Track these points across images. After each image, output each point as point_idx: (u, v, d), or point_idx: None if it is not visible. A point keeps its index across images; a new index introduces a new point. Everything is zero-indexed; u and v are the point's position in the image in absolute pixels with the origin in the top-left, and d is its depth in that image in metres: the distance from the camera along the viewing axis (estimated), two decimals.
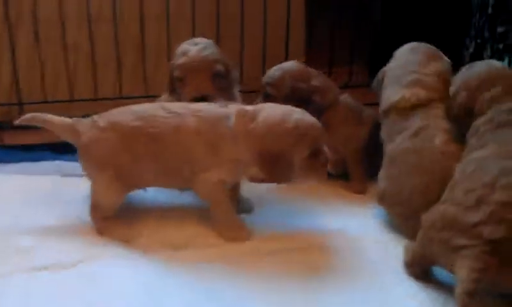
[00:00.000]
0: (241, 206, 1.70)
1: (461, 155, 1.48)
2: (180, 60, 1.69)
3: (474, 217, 1.28)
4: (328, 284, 1.41)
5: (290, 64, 1.87)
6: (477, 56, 1.99)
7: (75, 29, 2.15)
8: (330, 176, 1.84)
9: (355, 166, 1.87)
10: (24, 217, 1.62)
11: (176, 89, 1.72)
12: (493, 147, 1.40)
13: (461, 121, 1.54)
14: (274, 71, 1.85)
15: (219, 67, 1.69)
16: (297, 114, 1.50)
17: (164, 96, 1.79)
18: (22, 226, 1.58)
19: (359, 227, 1.65)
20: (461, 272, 1.26)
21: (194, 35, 2.11)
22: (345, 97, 1.91)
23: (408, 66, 1.72)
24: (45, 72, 2.14)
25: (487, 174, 1.33)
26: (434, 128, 1.59)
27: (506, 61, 1.95)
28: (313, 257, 1.50)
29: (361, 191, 1.85)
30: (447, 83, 1.65)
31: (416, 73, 1.69)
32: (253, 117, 1.50)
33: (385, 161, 1.67)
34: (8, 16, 2.04)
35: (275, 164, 1.47)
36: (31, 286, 1.36)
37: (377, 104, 2.20)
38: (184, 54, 1.70)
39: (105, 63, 2.18)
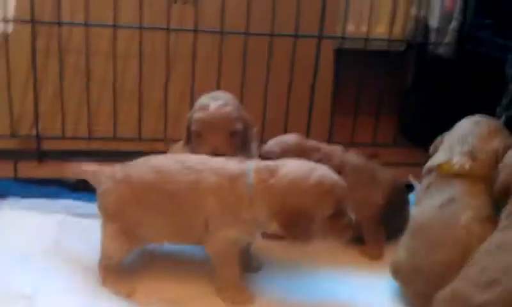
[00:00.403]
0: (250, 263, 1.64)
1: (486, 237, 1.39)
2: (198, 115, 1.65)
3: (482, 296, 1.22)
4: None
5: (288, 139, 1.79)
6: (509, 126, 1.92)
7: (103, 64, 2.14)
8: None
9: (370, 231, 1.79)
10: (29, 259, 1.57)
11: (192, 141, 1.68)
12: None
13: (500, 201, 1.48)
14: (273, 147, 1.77)
15: (238, 126, 1.64)
16: (321, 171, 1.43)
17: (179, 145, 1.76)
18: (24, 269, 1.53)
19: (369, 298, 1.57)
20: None
21: (219, 83, 2.11)
22: (352, 158, 1.81)
23: (468, 138, 1.65)
24: (69, 106, 2.13)
25: (505, 256, 1.26)
26: (465, 204, 1.52)
27: None
28: None
29: (376, 257, 1.77)
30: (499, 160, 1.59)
31: (473, 146, 1.62)
32: (273, 172, 1.44)
33: (408, 228, 1.59)
34: (34, 48, 2.04)
35: (296, 222, 1.39)
36: None
37: (403, 164, 2.18)
38: (203, 109, 1.65)
39: (129, 101, 2.16)
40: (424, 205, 1.60)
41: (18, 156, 2.06)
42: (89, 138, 2.14)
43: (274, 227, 1.44)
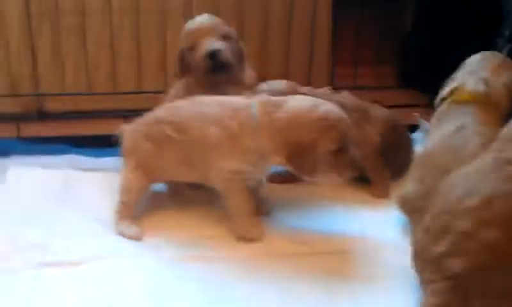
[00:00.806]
0: (260, 207, 1.64)
1: None
2: (187, 28, 1.71)
3: (438, 247, 1.19)
4: (340, 288, 1.35)
5: (279, 84, 1.75)
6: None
7: (99, 22, 2.11)
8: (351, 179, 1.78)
9: (373, 169, 1.78)
10: (37, 211, 1.59)
11: (186, 67, 1.70)
12: (491, 155, 1.26)
13: None
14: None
15: (227, 28, 1.71)
16: (326, 106, 1.44)
17: (175, 85, 1.79)
18: (34, 220, 1.55)
19: (377, 233, 1.57)
20: None
21: None
22: (345, 98, 1.78)
23: (479, 72, 1.63)
24: (66, 64, 2.11)
25: (453, 196, 1.22)
26: (475, 131, 1.50)
27: None
28: (328, 262, 1.44)
29: (383, 195, 1.75)
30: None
31: (485, 77, 1.61)
32: (278, 106, 1.45)
33: (416, 160, 1.58)
34: (29, 7, 2.02)
35: (301, 155, 1.41)
36: (38, 283, 1.33)
37: (406, 106, 2.16)
38: (190, 23, 1.71)
39: (127, 57, 2.14)
40: (434, 135, 1.58)
41: (20, 117, 2.05)
42: (90, 94, 2.12)
43: (277, 160, 1.46)
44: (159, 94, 1.91)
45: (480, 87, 1.58)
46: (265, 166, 1.52)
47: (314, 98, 1.48)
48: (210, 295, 1.31)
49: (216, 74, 1.64)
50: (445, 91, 1.65)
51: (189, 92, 1.68)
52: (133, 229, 1.53)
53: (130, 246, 1.48)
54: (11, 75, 2.06)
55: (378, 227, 1.60)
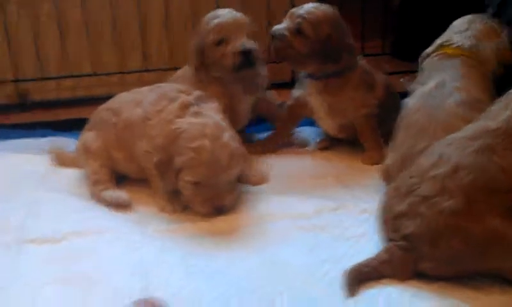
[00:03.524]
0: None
1: (473, 121, 1.30)
2: (216, 21, 1.66)
3: (400, 207, 1.20)
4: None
5: (330, 9, 1.67)
6: (504, 4, 1.84)
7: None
8: (340, 141, 1.79)
9: (367, 135, 1.73)
10: (18, 193, 1.56)
11: (209, 57, 1.68)
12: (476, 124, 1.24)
13: None
14: (313, 8, 1.64)
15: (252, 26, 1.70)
16: (214, 143, 1.41)
17: (186, 70, 1.78)
18: (14, 202, 1.52)
19: (365, 202, 1.49)
20: None
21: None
22: (360, 59, 1.75)
23: (467, 32, 1.59)
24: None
25: (427, 160, 1.22)
26: (454, 87, 1.44)
27: None
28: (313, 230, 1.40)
29: (377, 161, 1.65)
30: (499, 58, 1.57)
31: (473, 35, 1.57)
32: (191, 113, 1.47)
33: (398, 121, 1.51)
34: None
35: (164, 169, 1.44)
36: (18, 260, 1.30)
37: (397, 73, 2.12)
38: (216, 17, 1.68)
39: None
40: (415, 93, 1.52)
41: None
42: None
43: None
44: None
45: (467, 42, 1.54)
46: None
47: (219, 128, 1.45)
48: (193, 265, 1.28)
49: (243, 71, 1.66)
50: (430, 47, 1.60)
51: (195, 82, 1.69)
52: (120, 193, 1.53)
53: (112, 221, 1.44)
54: None
55: (366, 195, 1.52)
